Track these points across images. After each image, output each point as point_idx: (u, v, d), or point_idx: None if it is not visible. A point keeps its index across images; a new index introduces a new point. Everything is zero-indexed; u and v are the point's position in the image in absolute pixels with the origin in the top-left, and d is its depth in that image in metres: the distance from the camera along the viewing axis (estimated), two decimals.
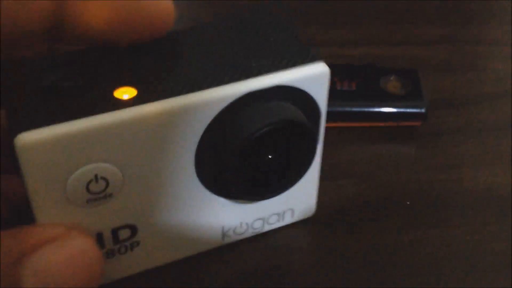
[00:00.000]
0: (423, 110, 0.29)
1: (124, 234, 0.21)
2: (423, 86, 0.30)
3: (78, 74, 0.19)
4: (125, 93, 0.19)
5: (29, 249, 0.17)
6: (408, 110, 0.29)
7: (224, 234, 0.23)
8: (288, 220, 0.24)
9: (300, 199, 0.24)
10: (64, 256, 0.17)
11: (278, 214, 0.24)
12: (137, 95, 0.19)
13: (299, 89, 0.20)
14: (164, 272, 0.23)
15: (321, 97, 0.21)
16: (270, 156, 0.21)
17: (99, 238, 0.20)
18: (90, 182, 0.19)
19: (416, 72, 0.31)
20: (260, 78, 0.20)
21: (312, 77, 0.20)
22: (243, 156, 0.20)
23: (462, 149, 0.29)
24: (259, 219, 0.24)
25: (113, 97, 0.18)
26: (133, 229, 0.21)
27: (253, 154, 0.20)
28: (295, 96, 0.20)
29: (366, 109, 0.29)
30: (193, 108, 0.19)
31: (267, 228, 0.24)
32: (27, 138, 0.17)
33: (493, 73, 0.34)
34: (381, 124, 0.30)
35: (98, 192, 0.19)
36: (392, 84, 0.30)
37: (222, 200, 0.22)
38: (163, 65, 0.20)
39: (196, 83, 0.19)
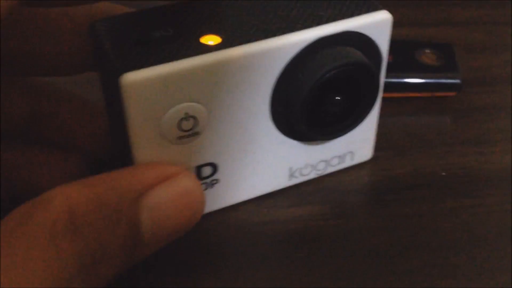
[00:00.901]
0: (458, 81, 0.30)
1: (206, 171, 0.23)
2: (458, 59, 0.31)
3: (166, 25, 0.21)
4: (211, 39, 0.21)
5: (148, 186, 0.18)
6: (443, 80, 0.30)
7: (291, 175, 0.25)
8: (348, 162, 0.26)
9: (359, 142, 0.26)
10: (175, 194, 0.18)
11: (339, 157, 0.26)
12: (221, 41, 0.21)
13: (364, 35, 0.22)
14: (237, 207, 0.25)
15: (384, 43, 0.23)
16: (337, 98, 0.23)
17: None
18: (181, 119, 0.21)
19: (451, 46, 0.32)
20: (330, 25, 0.22)
21: (376, 23, 0.22)
22: (314, 97, 0.22)
23: (495, 125, 0.30)
24: (322, 161, 0.26)
25: (200, 43, 0.21)
26: (214, 167, 0.23)
27: (323, 96, 0.22)
28: (360, 42, 0.22)
29: (402, 80, 0.30)
30: (271, 52, 0.21)
31: (329, 170, 0.26)
32: (131, 77, 0.19)
33: None
34: (417, 94, 0.31)
35: (188, 129, 0.21)
36: (427, 56, 0.31)
37: (291, 141, 0.24)
38: (240, 15, 0.22)
39: (272, 30, 0.21)
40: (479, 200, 0.25)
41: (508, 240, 0.24)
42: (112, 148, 0.25)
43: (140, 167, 0.19)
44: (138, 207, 0.18)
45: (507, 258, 0.23)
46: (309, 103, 0.22)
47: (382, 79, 0.24)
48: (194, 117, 0.21)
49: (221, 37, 0.21)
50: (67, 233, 0.16)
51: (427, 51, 0.32)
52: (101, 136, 0.25)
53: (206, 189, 0.23)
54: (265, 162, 0.24)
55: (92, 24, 0.22)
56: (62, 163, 0.24)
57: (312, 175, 0.26)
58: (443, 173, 0.27)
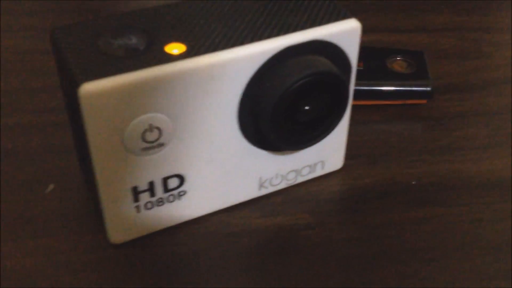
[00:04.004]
0: (429, 88, 0.30)
1: (173, 183, 0.22)
2: (429, 67, 0.31)
3: (129, 33, 0.20)
4: (175, 48, 0.20)
5: None
6: (414, 88, 0.30)
7: (261, 185, 0.25)
8: (318, 172, 0.26)
9: (330, 151, 0.26)
10: None
11: (310, 166, 0.25)
12: (186, 50, 0.20)
13: (333, 43, 0.22)
14: (205, 219, 0.24)
15: (353, 52, 0.23)
16: (306, 108, 0.22)
17: (151, 187, 0.22)
18: (145, 131, 0.20)
19: (422, 54, 0.32)
20: (297, 34, 0.21)
21: (345, 32, 0.22)
22: (283, 107, 0.21)
23: (467, 132, 0.30)
24: (293, 170, 0.25)
25: (165, 52, 0.20)
26: (181, 179, 0.22)
27: (292, 105, 0.22)
28: (329, 50, 0.22)
29: (373, 88, 0.30)
30: (237, 61, 0.20)
31: (299, 180, 0.26)
32: (91, 87, 0.18)
33: (498, 59, 0.35)
34: (388, 102, 0.30)
35: (152, 141, 0.20)
36: (398, 64, 0.31)
37: (260, 151, 0.23)
38: (207, 23, 0.21)
39: (239, 38, 0.21)
40: (451, 209, 0.25)
41: (481, 249, 0.24)
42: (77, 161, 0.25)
43: None
44: None
45: (480, 267, 0.23)
46: (278, 113, 0.22)
47: (352, 87, 0.24)
48: (158, 128, 0.20)
49: (186, 45, 0.20)
50: None
51: (398, 58, 0.31)
52: None
53: (173, 200, 0.23)
54: (234, 173, 0.24)
55: (52, 32, 0.21)
56: None
57: (282, 185, 0.25)
58: (414, 182, 0.26)
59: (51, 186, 0.25)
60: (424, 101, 0.30)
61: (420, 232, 0.24)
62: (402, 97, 0.30)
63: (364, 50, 0.32)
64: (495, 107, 0.31)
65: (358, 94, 0.30)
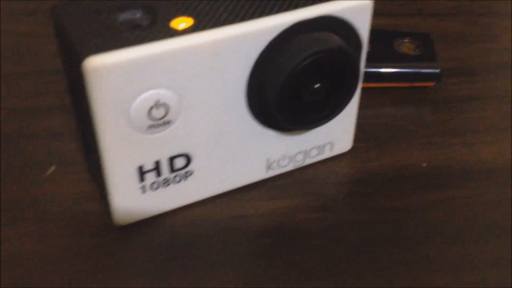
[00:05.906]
0: (437, 70, 0.29)
1: (179, 163, 0.22)
2: (436, 49, 0.30)
3: (134, 7, 0.20)
4: (181, 22, 0.19)
5: None
6: (422, 70, 0.29)
7: (268, 166, 0.24)
8: (327, 154, 0.25)
9: (339, 133, 0.25)
10: None
11: (318, 147, 0.25)
12: (193, 24, 0.19)
13: (344, 20, 0.21)
14: (211, 201, 0.24)
15: (364, 29, 0.22)
16: (316, 86, 0.22)
17: (157, 166, 0.21)
18: (151, 108, 0.19)
19: (429, 36, 0.31)
20: (307, 9, 0.21)
21: (356, 7, 0.21)
22: (292, 85, 0.21)
23: (475, 115, 0.29)
24: (301, 152, 0.25)
25: (171, 26, 0.19)
26: (188, 158, 0.22)
27: (301, 83, 0.21)
28: (340, 27, 0.21)
29: (380, 70, 0.30)
30: (246, 36, 0.20)
31: (307, 161, 0.25)
32: (96, 61, 0.18)
33: (505, 43, 0.34)
34: (396, 84, 0.30)
35: (158, 118, 0.20)
36: (406, 46, 0.31)
37: (268, 131, 0.23)
38: None
39: (247, 13, 0.20)
40: (461, 192, 0.25)
41: (492, 232, 0.23)
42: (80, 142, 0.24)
43: None
44: None
45: (491, 251, 0.22)
46: (287, 91, 0.21)
47: (362, 66, 0.23)
48: (165, 105, 0.20)
49: (193, 19, 0.20)
50: None
51: (406, 40, 0.31)
52: None
53: (180, 181, 0.22)
54: (241, 153, 0.23)
55: (53, 7, 0.20)
56: None
57: (290, 167, 0.25)
58: (424, 165, 0.26)
59: (52, 168, 0.25)
60: (431, 84, 0.30)
61: (431, 216, 0.24)
62: (410, 79, 0.30)
63: (372, 32, 0.31)
64: (503, 90, 0.31)
65: (365, 77, 0.29)
